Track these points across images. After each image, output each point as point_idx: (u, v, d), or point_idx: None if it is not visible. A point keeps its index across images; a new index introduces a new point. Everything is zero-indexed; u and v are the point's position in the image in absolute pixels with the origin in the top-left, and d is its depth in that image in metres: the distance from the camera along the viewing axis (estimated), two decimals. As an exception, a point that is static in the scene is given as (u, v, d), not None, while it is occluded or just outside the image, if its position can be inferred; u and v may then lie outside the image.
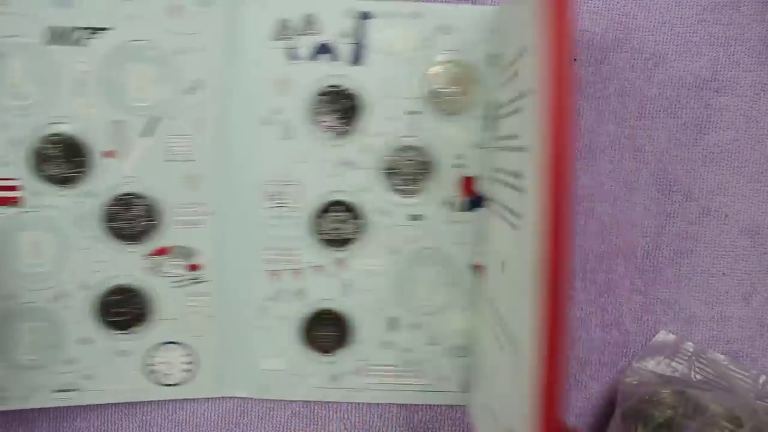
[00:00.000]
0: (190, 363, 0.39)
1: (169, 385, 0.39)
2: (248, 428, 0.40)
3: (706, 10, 0.37)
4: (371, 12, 0.35)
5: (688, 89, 0.38)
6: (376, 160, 0.37)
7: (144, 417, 0.40)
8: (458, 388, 0.39)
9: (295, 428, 0.40)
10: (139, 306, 0.37)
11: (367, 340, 0.39)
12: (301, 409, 0.40)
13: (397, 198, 0.37)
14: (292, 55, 0.36)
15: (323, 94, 0.36)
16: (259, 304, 0.38)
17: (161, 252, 0.37)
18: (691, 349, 0.38)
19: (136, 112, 0.35)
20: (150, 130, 0.36)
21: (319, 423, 0.40)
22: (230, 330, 0.39)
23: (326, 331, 0.39)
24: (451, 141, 0.37)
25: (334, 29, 0.36)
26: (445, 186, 0.37)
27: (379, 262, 0.38)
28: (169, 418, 0.40)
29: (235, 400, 0.40)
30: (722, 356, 0.38)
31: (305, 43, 0.36)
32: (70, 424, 0.40)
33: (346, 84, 0.36)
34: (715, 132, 0.38)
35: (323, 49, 0.36)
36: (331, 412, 0.40)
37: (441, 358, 0.39)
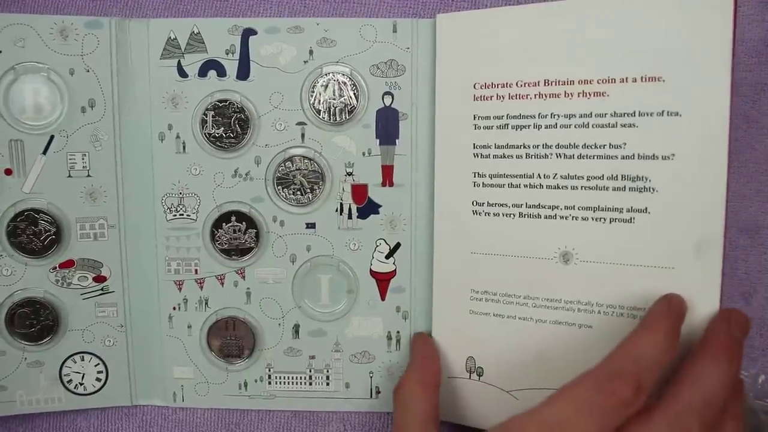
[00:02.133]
0: (102, 372, 0.40)
1: (83, 394, 0.40)
2: (248, 428, 0.41)
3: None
4: (254, 28, 0.37)
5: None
6: (269, 171, 0.38)
7: (144, 417, 0.41)
8: (366, 395, 0.40)
9: (295, 428, 0.41)
10: (48, 318, 0.39)
11: (272, 348, 0.40)
12: (302, 410, 0.41)
13: (291, 207, 0.38)
14: (181, 73, 0.37)
15: (213, 109, 0.37)
16: (166, 314, 0.39)
17: (67, 265, 0.39)
18: None
19: (32, 131, 0.37)
20: (47, 148, 0.37)
21: (319, 423, 0.41)
22: (140, 339, 0.40)
23: (231, 339, 0.40)
24: (340, 150, 0.38)
25: (219, 46, 0.37)
26: (337, 194, 0.38)
27: (278, 271, 0.39)
28: (170, 418, 0.41)
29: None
30: None
31: (192, 61, 0.37)
32: (71, 424, 0.41)
33: (235, 98, 0.37)
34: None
35: (210, 66, 0.37)
36: (331, 413, 0.41)
37: (346, 364, 0.39)
